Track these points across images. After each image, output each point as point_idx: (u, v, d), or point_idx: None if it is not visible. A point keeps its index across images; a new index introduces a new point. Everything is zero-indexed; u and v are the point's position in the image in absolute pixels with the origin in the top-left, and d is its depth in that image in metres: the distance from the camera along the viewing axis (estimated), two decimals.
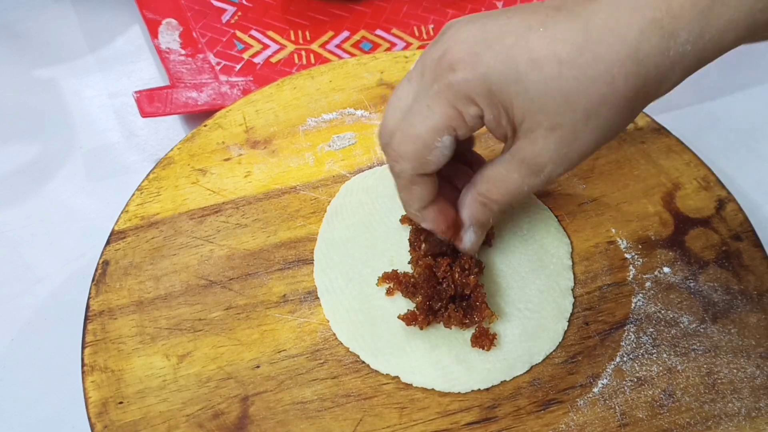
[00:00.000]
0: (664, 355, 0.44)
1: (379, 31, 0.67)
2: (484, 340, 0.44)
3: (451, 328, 0.44)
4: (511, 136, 0.38)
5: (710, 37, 0.34)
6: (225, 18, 0.68)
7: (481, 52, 0.35)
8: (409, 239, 0.47)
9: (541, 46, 0.34)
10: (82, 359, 0.44)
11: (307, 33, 0.67)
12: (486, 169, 0.40)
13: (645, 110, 0.55)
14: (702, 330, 0.45)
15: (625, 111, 0.36)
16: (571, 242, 0.49)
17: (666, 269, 0.47)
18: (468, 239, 0.43)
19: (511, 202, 0.41)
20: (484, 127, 0.38)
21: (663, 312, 0.46)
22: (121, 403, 0.42)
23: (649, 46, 0.34)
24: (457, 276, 0.44)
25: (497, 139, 0.39)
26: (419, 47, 0.65)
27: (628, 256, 0.48)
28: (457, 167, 0.44)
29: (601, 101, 0.35)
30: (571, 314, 0.46)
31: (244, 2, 0.69)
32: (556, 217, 0.50)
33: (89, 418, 0.42)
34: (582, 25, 0.34)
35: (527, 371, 0.43)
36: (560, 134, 0.36)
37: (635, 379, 0.43)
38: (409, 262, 0.47)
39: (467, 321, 0.44)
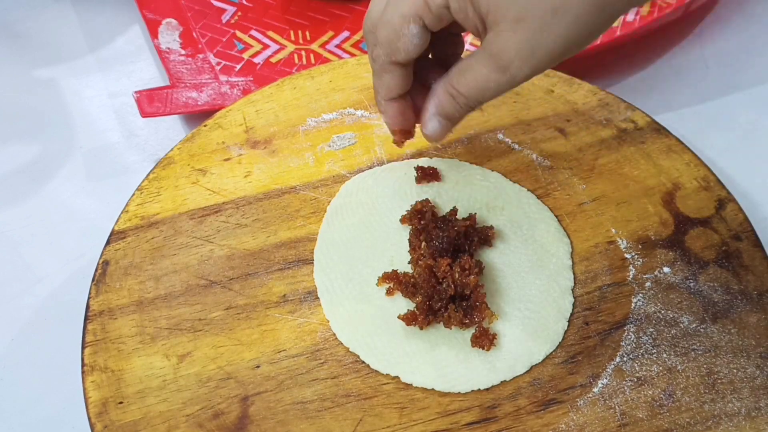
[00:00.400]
0: (664, 355, 0.44)
1: None
2: (484, 340, 0.44)
3: (451, 328, 0.44)
4: (481, 30, 0.38)
5: None
6: (225, 18, 0.68)
7: None
8: (409, 239, 0.47)
9: None
10: (82, 359, 0.44)
11: (307, 33, 0.67)
12: (460, 62, 0.41)
13: (645, 110, 0.56)
14: (702, 330, 0.45)
15: (594, 10, 0.35)
16: (571, 242, 0.49)
17: (666, 269, 0.47)
18: (431, 126, 0.44)
19: (478, 98, 0.41)
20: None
21: (663, 312, 0.46)
22: (121, 403, 0.42)
23: None
24: (457, 276, 0.44)
25: (471, 33, 0.40)
26: None
27: (628, 256, 0.48)
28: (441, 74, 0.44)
29: None
30: (571, 314, 0.46)
31: (244, 2, 0.69)
32: (556, 217, 0.50)
33: (89, 418, 0.42)
34: None
35: (527, 371, 0.43)
36: (526, 28, 0.36)
37: (635, 379, 0.43)
38: (409, 262, 0.47)
39: (467, 321, 0.44)
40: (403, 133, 0.47)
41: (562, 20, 0.35)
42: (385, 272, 0.46)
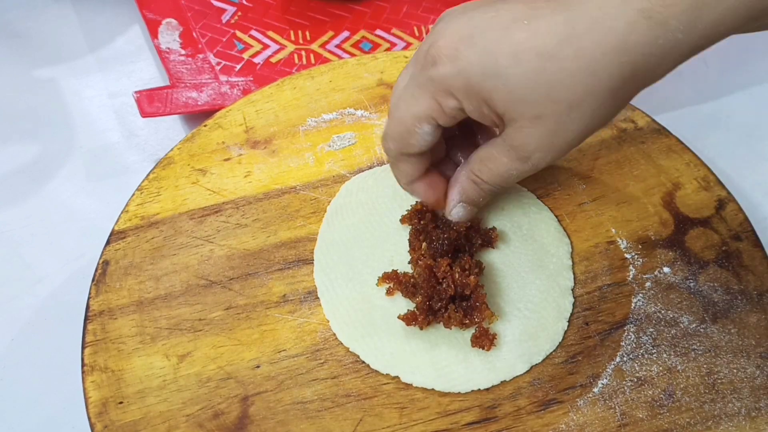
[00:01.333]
0: (664, 355, 0.44)
1: (379, 31, 0.67)
2: (484, 340, 0.44)
3: (451, 328, 0.44)
4: (499, 123, 0.39)
5: (704, 26, 0.34)
6: (225, 18, 0.68)
7: (462, 47, 0.36)
8: (409, 239, 0.47)
9: (523, 40, 0.35)
10: (82, 359, 0.44)
11: (307, 33, 0.67)
12: (480, 150, 0.42)
13: (645, 110, 0.56)
14: (702, 330, 0.45)
15: (610, 101, 0.36)
16: (571, 242, 0.49)
17: (666, 269, 0.47)
18: (456, 212, 0.45)
19: (500, 185, 0.42)
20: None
21: (663, 312, 0.46)
22: (121, 403, 0.42)
23: (637, 36, 0.34)
24: (457, 276, 0.44)
25: (488, 125, 0.40)
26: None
27: (628, 256, 0.48)
28: (465, 143, 0.46)
29: (584, 93, 0.35)
30: (571, 314, 0.46)
31: (244, 2, 0.69)
32: (556, 217, 0.50)
33: (89, 418, 0.42)
34: (567, 18, 0.34)
35: (527, 371, 0.43)
36: (544, 124, 0.37)
37: (635, 379, 0.43)
38: (409, 262, 0.47)
39: (467, 321, 0.44)
40: (438, 205, 0.46)
41: (578, 115, 0.36)
42: (385, 272, 0.46)
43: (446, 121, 0.40)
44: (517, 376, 0.43)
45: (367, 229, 0.50)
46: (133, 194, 0.52)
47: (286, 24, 0.68)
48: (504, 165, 0.40)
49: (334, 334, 0.45)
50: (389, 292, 0.46)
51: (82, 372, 0.43)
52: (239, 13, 0.68)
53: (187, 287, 0.47)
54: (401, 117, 0.40)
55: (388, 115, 0.42)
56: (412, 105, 0.39)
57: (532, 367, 0.44)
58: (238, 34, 0.66)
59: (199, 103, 0.60)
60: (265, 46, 0.66)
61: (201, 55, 0.64)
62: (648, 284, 0.47)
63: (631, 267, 0.48)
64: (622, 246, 0.49)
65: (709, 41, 0.35)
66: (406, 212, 0.49)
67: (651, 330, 0.45)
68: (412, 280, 0.46)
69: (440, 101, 0.38)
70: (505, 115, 0.37)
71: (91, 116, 0.63)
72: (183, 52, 0.64)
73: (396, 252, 0.48)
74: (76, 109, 0.64)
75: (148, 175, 0.53)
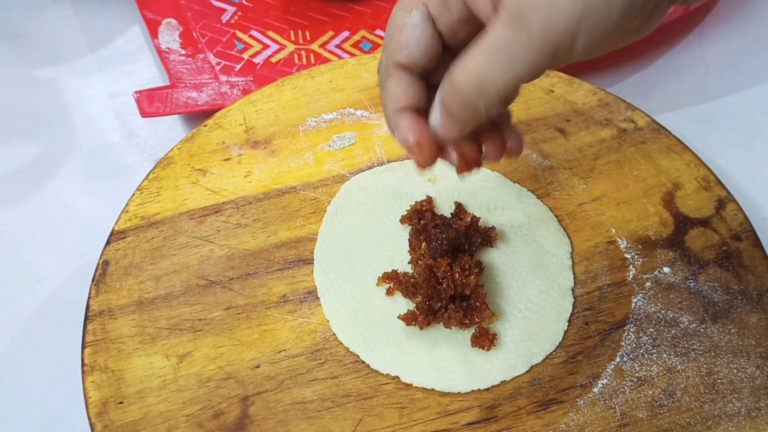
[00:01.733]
0: (664, 355, 0.44)
1: (379, 31, 0.67)
2: (484, 340, 0.44)
3: (451, 329, 0.44)
4: (491, 12, 0.33)
5: None
6: (225, 18, 0.68)
7: None
8: (409, 239, 0.47)
9: None
10: (82, 359, 0.44)
11: (307, 33, 0.67)
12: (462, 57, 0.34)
13: (645, 110, 0.56)
14: (702, 330, 0.45)
15: None
16: (571, 242, 0.49)
17: (666, 269, 0.47)
18: (434, 117, 0.37)
19: (492, 70, 0.32)
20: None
21: (663, 312, 0.46)
22: (121, 403, 0.42)
23: None
24: (457, 276, 0.44)
25: (479, 18, 0.34)
26: None
27: (628, 256, 0.48)
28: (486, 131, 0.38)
29: None
30: (571, 314, 0.46)
31: (244, 2, 0.69)
32: (556, 217, 0.50)
33: (89, 418, 0.42)
34: None
35: (527, 371, 0.43)
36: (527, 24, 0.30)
37: (635, 379, 0.43)
38: (409, 262, 0.47)
39: (467, 321, 0.44)
40: (420, 150, 0.37)
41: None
42: (385, 272, 0.46)
43: (437, 7, 0.34)
44: (517, 376, 0.43)
45: (367, 229, 0.50)
46: (133, 194, 0.52)
47: (286, 24, 0.68)
48: (498, 41, 0.31)
49: (334, 334, 0.45)
50: (389, 292, 0.46)
51: (82, 372, 0.43)
52: (239, 13, 0.68)
53: (187, 287, 0.47)
54: (392, 16, 0.36)
55: None
56: (401, 1, 0.35)
57: (532, 367, 0.44)
58: (238, 34, 0.66)
59: (199, 103, 0.60)
60: (265, 46, 0.66)
61: (201, 55, 0.64)
62: (648, 284, 0.47)
63: (631, 267, 0.48)
64: (622, 246, 0.49)
65: None
66: (406, 212, 0.49)
67: (651, 330, 0.45)
68: (412, 280, 0.46)
69: None
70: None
71: (91, 116, 0.63)
72: (183, 52, 0.64)
73: (396, 252, 0.48)
74: (76, 109, 0.64)
75: (148, 175, 0.53)
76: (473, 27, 0.35)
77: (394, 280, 0.46)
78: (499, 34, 0.32)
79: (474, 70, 0.32)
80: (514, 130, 0.39)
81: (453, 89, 0.34)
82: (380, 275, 0.47)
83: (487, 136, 0.39)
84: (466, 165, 0.39)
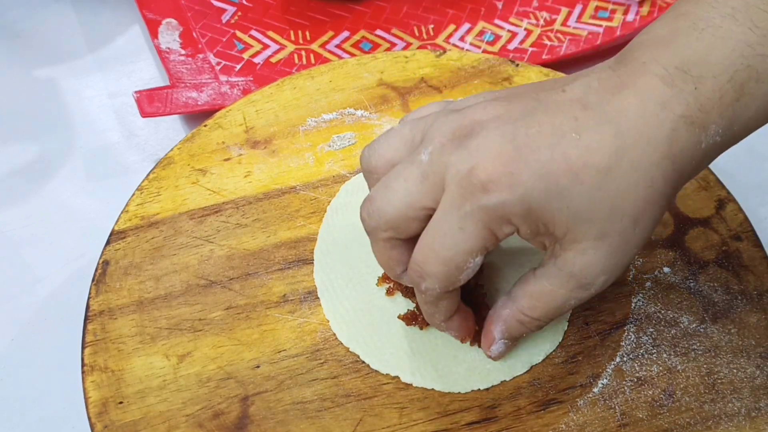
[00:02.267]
0: (664, 355, 0.44)
1: (379, 31, 0.67)
2: (480, 337, 0.44)
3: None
4: (551, 244, 0.36)
5: (739, 126, 0.34)
6: (225, 18, 0.68)
7: (517, 170, 0.33)
8: None
9: (577, 156, 0.33)
10: (82, 359, 0.44)
11: (307, 33, 0.67)
12: (527, 284, 0.38)
13: None
14: (702, 330, 0.45)
15: (665, 207, 0.35)
16: None
17: (666, 269, 0.47)
18: (497, 349, 0.42)
19: (553, 318, 0.39)
20: None
21: (663, 312, 0.46)
22: (121, 403, 0.42)
23: (681, 142, 0.33)
24: None
25: (534, 246, 0.37)
26: (419, 47, 0.65)
27: None
28: None
29: (645, 204, 0.34)
30: (571, 314, 0.46)
31: (244, 2, 0.69)
32: None
33: (89, 418, 0.42)
34: (614, 130, 0.33)
35: (527, 371, 0.43)
36: (610, 243, 0.34)
37: (635, 379, 0.43)
38: None
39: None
40: (471, 335, 0.43)
41: (641, 227, 0.35)
42: (385, 272, 0.46)
43: (495, 245, 0.36)
44: (517, 376, 0.43)
45: None
46: (133, 194, 0.52)
47: (286, 24, 0.68)
48: (561, 297, 0.37)
49: (334, 334, 0.45)
50: (389, 292, 0.46)
51: (82, 372, 0.43)
52: (239, 13, 0.68)
53: (187, 287, 0.47)
54: (449, 256, 0.35)
55: (384, 231, 0.38)
56: (462, 240, 0.35)
57: (532, 367, 0.44)
58: (238, 34, 0.66)
59: (199, 103, 0.60)
60: (265, 46, 0.66)
61: (201, 55, 0.64)
62: (648, 284, 0.47)
63: (631, 267, 0.48)
64: None
65: (742, 137, 0.35)
66: None
67: (651, 330, 0.45)
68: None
69: (495, 230, 0.35)
70: (566, 236, 0.34)
71: (91, 116, 0.63)
72: (183, 52, 0.64)
73: None
74: (76, 109, 0.64)
75: (148, 175, 0.53)
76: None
77: (394, 280, 0.46)
78: (565, 289, 0.37)
79: (558, 302, 0.37)
80: None
81: (524, 324, 0.39)
82: (380, 275, 0.47)
83: None
84: None
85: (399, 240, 0.38)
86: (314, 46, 0.66)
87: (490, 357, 0.42)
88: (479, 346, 0.44)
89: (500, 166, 0.33)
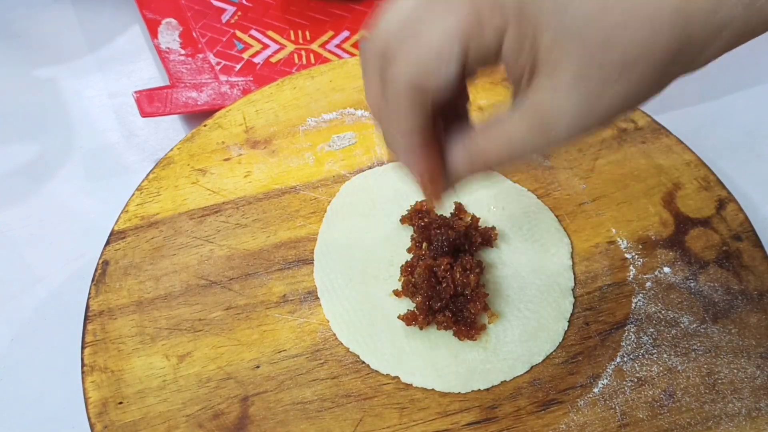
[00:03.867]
0: (665, 355, 0.44)
1: None
2: (471, 332, 0.44)
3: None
4: (527, 78, 0.32)
5: (761, 4, 0.31)
6: (225, 18, 0.68)
7: None
8: (413, 237, 0.48)
9: None
10: (82, 359, 0.44)
11: (307, 33, 0.67)
12: (486, 125, 0.34)
13: (645, 110, 0.56)
14: (702, 330, 0.45)
15: (658, 72, 0.32)
16: (571, 242, 0.49)
17: (666, 269, 0.47)
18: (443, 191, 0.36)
19: (507, 160, 0.34)
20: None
21: (663, 312, 0.46)
22: (121, 403, 0.42)
23: (697, 3, 0.31)
24: (458, 276, 0.44)
25: (510, 78, 0.33)
26: None
27: (628, 256, 0.48)
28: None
29: (641, 48, 0.31)
30: (572, 314, 0.46)
31: (244, 2, 0.69)
32: (556, 217, 0.50)
33: (89, 418, 0.42)
34: None
35: (527, 371, 0.43)
36: (587, 86, 0.31)
37: (635, 379, 0.43)
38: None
39: (457, 328, 0.44)
40: (436, 183, 0.36)
41: (626, 78, 0.32)
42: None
43: (477, 52, 0.32)
44: (517, 376, 0.43)
45: (367, 229, 0.50)
46: (133, 194, 0.52)
47: (286, 24, 0.68)
48: (518, 135, 0.33)
49: (334, 334, 0.45)
50: (396, 293, 0.46)
51: (82, 372, 0.43)
52: (239, 13, 0.68)
53: (187, 287, 0.47)
54: (426, 33, 0.31)
55: (383, 51, 0.33)
56: (444, 19, 0.31)
57: (532, 367, 0.43)
58: (238, 34, 0.66)
59: (199, 103, 0.60)
60: (265, 46, 0.65)
61: (201, 55, 0.64)
62: (648, 284, 0.47)
63: (631, 267, 0.48)
64: (622, 246, 0.49)
65: (761, 24, 0.32)
66: (406, 212, 0.49)
67: (651, 330, 0.45)
68: (412, 279, 0.46)
69: (483, 17, 0.31)
70: (549, 56, 0.31)
71: (91, 116, 0.63)
72: (183, 52, 0.64)
73: (396, 252, 0.48)
74: (76, 109, 0.63)
75: (148, 175, 0.53)
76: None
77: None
78: (523, 125, 0.32)
79: (511, 138, 0.33)
80: None
81: (472, 158, 0.34)
82: (380, 275, 0.47)
83: None
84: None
85: (420, 91, 0.33)
86: (314, 46, 0.66)
87: (430, 199, 0.37)
88: (469, 340, 0.44)
89: None
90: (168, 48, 0.64)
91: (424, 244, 0.46)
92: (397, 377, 0.43)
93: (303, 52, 0.65)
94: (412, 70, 0.32)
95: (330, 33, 0.67)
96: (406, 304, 0.46)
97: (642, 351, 0.44)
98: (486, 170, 0.35)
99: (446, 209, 0.50)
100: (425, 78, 0.32)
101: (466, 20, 0.31)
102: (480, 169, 0.35)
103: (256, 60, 0.64)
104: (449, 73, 0.32)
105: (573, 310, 0.46)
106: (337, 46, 0.66)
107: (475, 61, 0.32)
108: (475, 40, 0.31)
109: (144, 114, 0.58)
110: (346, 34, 0.67)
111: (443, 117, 0.36)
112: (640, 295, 0.46)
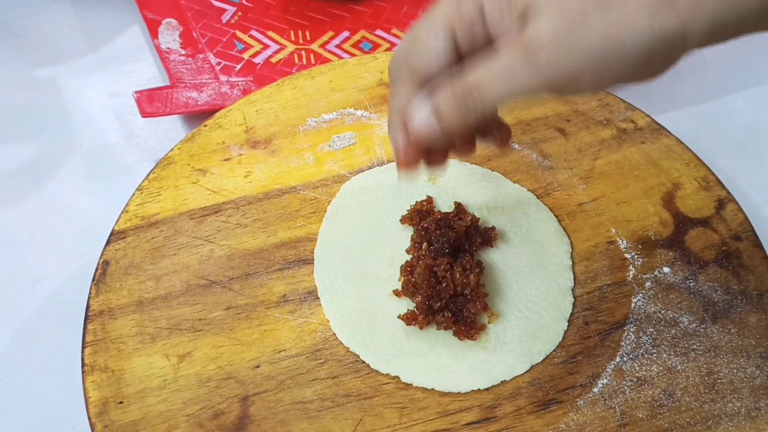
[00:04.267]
0: (664, 355, 0.44)
1: (379, 31, 0.67)
2: (470, 331, 0.44)
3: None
4: (516, 33, 0.34)
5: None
6: (225, 18, 0.68)
7: None
8: (413, 237, 0.48)
9: None
10: (82, 359, 0.44)
11: (307, 33, 0.67)
12: (475, 61, 0.35)
13: (645, 110, 0.56)
14: (702, 330, 0.45)
15: (647, 13, 0.32)
16: (571, 242, 0.49)
17: (666, 269, 0.47)
18: (419, 122, 0.37)
19: (489, 93, 0.34)
20: None
21: (663, 312, 0.46)
22: (121, 403, 0.42)
23: None
24: (458, 276, 0.44)
25: (497, 35, 0.35)
26: None
27: (628, 256, 0.48)
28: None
29: None
30: (571, 314, 0.46)
31: (244, 2, 0.69)
32: (556, 217, 0.50)
33: (89, 418, 0.42)
34: None
35: (527, 371, 0.43)
36: (565, 14, 0.32)
37: (635, 379, 0.43)
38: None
39: (457, 327, 0.44)
40: (412, 155, 0.38)
41: (605, 14, 0.32)
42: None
43: (463, 30, 0.35)
44: (517, 376, 0.43)
45: (367, 229, 0.50)
46: (133, 194, 0.52)
47: (286, 24, 0.68)
48: (500, 66, 0.33)
49: (334, 334, 0.45)
50: (397, 293, 0.46)
51: (82, 372, 0.43)
52: (239, 13, 0.68)
53: (187, 287, 0.47)
54: (416, 27, 0.37)
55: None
56: (432, 17, 0.36)
57: (532, 367, 0.44)
58: (238, 34, 0.66)
59: (199, 103, 0.60)
60: (265, 46, 0.66)
61: (201, 55, 0.64)
62: (648, 284, 0.47)
63: (631, 267, 0.48)
64: (622, 246, 0.49)
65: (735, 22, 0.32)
66: (406, 212, 0.49)
67: (651, 330, 0.45)
68: (412, 279, 0.46)
69: (461, 5, 0.35)
70: (528, 8, 0.33)
71: (91, 116, 0.63)
72: (183, 52, 0.64)
73: (396, 252, 0.48)
74: (76, 109, 0.64)
75: (148, 175, 0.53)
76: (489, 48, 0.35)
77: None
78: (507, 56, 0.33)
79: (498, 70, 0.34)
80: (502, 122, 0.42)
81: (458, 93, 0.35)
82: (381, 276, 0.47)
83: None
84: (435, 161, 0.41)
85: (411, 69, 0.37)
86: (314, 46, 0.66)
87: (411, 128, 0.37)
88: (469, 340, 0.44)
89: None
90: (168, 48, 0.64)
91: (424, 244, 0.46)
92: (397, 377, 0.43)
93: (303, 53, 0.65)
94: (403, 53, 0.37)
95: (330, 33, 0.67)
96: (406, 304, 0.46)
97: (641, 351, 0.44)
98: (480, 109, 0.35)
99: (446, 208, 0.50)
100: (413, 55, 0.37)
101: (446, 11, 0.36)
102: (474, 109, 0.35)
103: (256, 60, 0.64)
104: (433, 49, 0.36)
105: (573, 309, 0.46)
106: (337, 46, 0.66)
107: (466, 35, 0.36)
108: (458, 19, 0.35)
109: (144, 114, 0.58)
110: (346, 34, 0.67)
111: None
112: (640, 294, 0.46)
